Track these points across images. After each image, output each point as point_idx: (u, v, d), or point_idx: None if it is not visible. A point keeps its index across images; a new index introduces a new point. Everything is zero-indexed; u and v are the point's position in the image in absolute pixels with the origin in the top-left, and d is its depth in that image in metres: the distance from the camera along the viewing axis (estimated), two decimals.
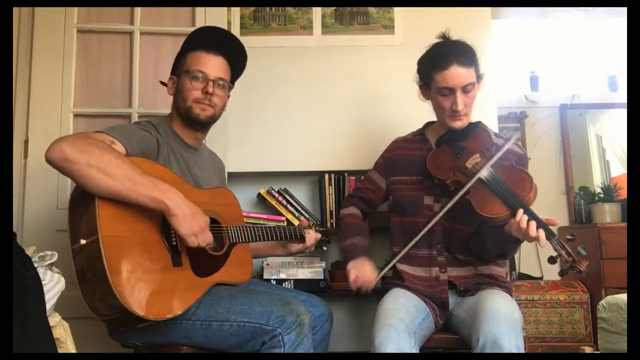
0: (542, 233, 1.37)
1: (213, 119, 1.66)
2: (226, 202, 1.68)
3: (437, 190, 1.66)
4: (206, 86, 1.59)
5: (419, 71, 1.70)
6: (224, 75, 1.65)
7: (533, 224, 1.38)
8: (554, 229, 1.41)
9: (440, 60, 1.59)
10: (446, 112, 1.63)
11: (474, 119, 1.78)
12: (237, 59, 1.73)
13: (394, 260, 1.62)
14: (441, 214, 1.55)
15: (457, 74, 1.56)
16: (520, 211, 1.40)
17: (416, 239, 1.58)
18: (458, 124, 1.63)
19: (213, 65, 1.62)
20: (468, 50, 1.62)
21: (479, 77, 1.64)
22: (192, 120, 1.62)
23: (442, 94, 1.61)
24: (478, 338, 1.36)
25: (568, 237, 1.39)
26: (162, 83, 1.73)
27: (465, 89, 1.59)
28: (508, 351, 1.32)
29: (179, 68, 1.65)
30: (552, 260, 1.40)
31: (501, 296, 1.52)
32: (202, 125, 1.66)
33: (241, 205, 1.77)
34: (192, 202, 1.37)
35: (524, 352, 1.37)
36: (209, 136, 1.76)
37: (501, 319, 1.37)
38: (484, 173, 1.51)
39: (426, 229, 1.57)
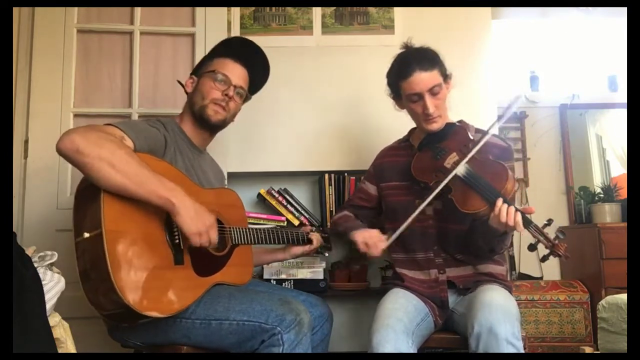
0: (519, 218, 1.40)
1: (223, 123, 1.68)
2: (230, 202, 1.68)
3: (426, 194, 1.67)
4: (227, 89, 1.63)
5: (388, 83, 1.74)
6: (245, 85, 1.69)
7: (511, 210, 1.40)
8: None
9: (403, 69, 1.63)
10: (420, 117, 1.66)
11: (473, 119, 1.78)
12: (258, 75, 1.78)
13: (401, 227, 1.59)
14: (425, 203, 1.56)
15: (420, 79, 1.60)
16: (499, 202, 1.42)
17: (410, 218, 1.57)
18: (434, 127, 1.66)
19: (237, 73, 1.66)
20: (429, 54, 1.65)
21: (446, 78, 1.67)
22: (203, 121, 1.63)
23: (412, 100, 1.64)
24: (473, 326, 1.37)
25: (545, 222, 1.41)
26: (180, 83, 1.75)
27: (433, 91, 1.61)
28: (504, 338, 1.32)
29: (202, 69, 1.68)
30: (531, 247, 1.43)
31: (499, 290, 1.53)
32: (211, 128, 1.67)
33: (244, 206, 1.77)
34: (198, 202, 1.37)
35: (521, 341, 1.37)
36: None
37: (498, 308, 1.38)
38: (460, 170, 1.53)
39: (418, 210, 1.57)
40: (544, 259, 1.42)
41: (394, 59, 1.71)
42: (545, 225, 1.41)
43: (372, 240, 1.63)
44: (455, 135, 1.65)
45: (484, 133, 1.61)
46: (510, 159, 1.68)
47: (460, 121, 1.74)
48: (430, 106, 1.61)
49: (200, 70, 1.69)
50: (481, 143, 1.56)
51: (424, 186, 1.64)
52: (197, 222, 1.34)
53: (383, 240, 1.63)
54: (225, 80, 1.63)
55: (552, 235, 1.41)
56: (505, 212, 1.40)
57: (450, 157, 1.60)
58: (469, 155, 1.54)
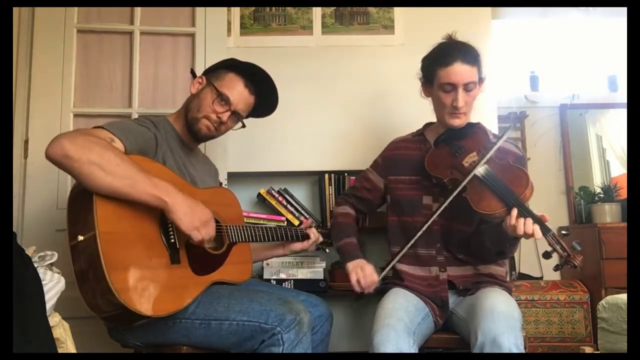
0: (537, 228, 1.39)
1: (211, 138, 1.69)
2: (226, 201, 1.68)
3: (435, 190, 1.67)
4: (223, 113, 1.61)
5: (423, 68, 1.72)
6: (244, 112, 1.68)
7: (529, 221, 1.39)
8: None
9: (445, 57, 1.62)
10: (446, 109, 1.64)
11: (474, 119, 1.78)
12: (262, 108, 1.77)
13: (395, 260, 1.62)
14: (439, 210, 1.57)
15: (460, 70, 1.59)
16: (514, 211, 1.41)
17: (415, 237, 1.59)
18: (457, 122, 1.65)
19: (243, 99, 1.64)
20: (473, 50, 1.65)
21: (480, 79, 1.66)
22: (192, 131, 1.63)
23: (444, 90, 1.63)
24: (477, 336, 1.37)
25: (563, 232, 1.41)
26: (193, 73, 1.74)
27: (467, 87, 1.61)
28: (507, 350, 1.32)
29: (214, 77, 1.64)
30: (547, 255, 1.42)
31: (500, 294, 1.53)
32: (197, 139, 1.67)
33: (241, 205, 1.77)
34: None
35: (523, 350, 1.37)
36: None
37: (500, 317, 1.38)
38: (480, 170, 1.52)
39: (424, 227, 1.58)
40: (557, 267, 1.41)
41: (436, 45, 1.69)
42: (563, 235, 1.40)
43: (364, 282, 1.64)
44: (476, 135, 1.65)
45: (500, 136, 1.61)
46: (524, 167, 1.67)
47: (478, 123, 1.73)
48: (461, 100, 1.60)
49: (212, 75, 1.65)
50: (501, 141, 1.56)
51: (437, 182, 1.63)
52: (192, 217, 1.34)
53: (376, 280, 1.64)
54: (226, 103, 1.61)
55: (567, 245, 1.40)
56: (523, 220, 1.39)
57: (470, 156, 1.59)
58: (489, 154, 1.53)
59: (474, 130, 1.67)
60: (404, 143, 1.84)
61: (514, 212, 1.41)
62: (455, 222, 1.66)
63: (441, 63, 1.62)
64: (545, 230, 1.39)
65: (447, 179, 1.59)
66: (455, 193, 1.53)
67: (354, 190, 1.92)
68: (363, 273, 1.65)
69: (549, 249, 1.41)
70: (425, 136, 1.80)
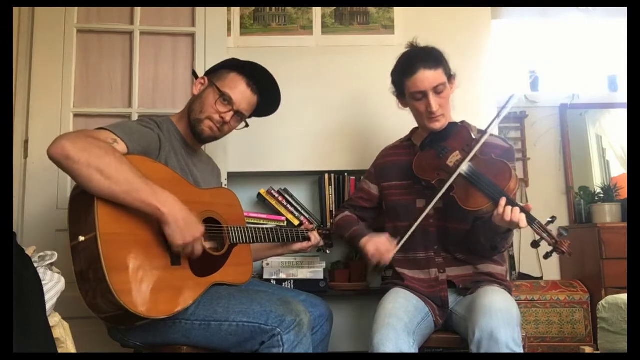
0: (522, 216, 1.40)
1: (214, 139, 1.68)
2: (227, 202, 1.68)
3: (427, 193, 1.68)
4: (226, 113, 1.60)
5: (393, 82, 1.75)
6: (247, 111, 1.68)
7: (515, 210, 1.40)
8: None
9: (408, 67, 1.65)
10: (424, 116, 1.67)
11: (473, 119, 1.79)
12: (265, 107, 1.77)
13: (409, 233, 1.60)
14: (429, 208, 1.57)
15: (425, 77, 1.61)
16: (502, 201, 1.42)
17: (417, 223, 1.58)
18: (437, 125, 1.66)
19: (245, 99, 1.64)
20: (434, 53, 1.66)
21: (450, 78, 1.68)
22: (195, 132, 1.63)
23: (416, 98, 1.65)
24: (474, 332, 1.38)
25: (549, 219, 1.42)
26: (194, 74, 1.75)
27: (437, 90, 1.63)
28: (505, 344, 1.33)
29: (216, 77, 1.64)
30: (535, 244, 1.43)
31: (499, 293, 1.53)
32: (200, 140, 1.67)
33: (241, 205, 1.77)
34: (190, 207, 1.37)
35: (521, 345, 1.38)
36: None
37: (497, 312, 1.38)
38: (463, 168, 1.53)
39: (420, 219, 1.58)
40: (547, 255, 1.42)
41: (399, 57, 1.72)
42: (549, 223, 1.42)
43: (383, 247, 1.63)
44: (458, 134, 1.66)
45: (484, 131, 1.61)
46: (512, 160, 1.68)
47: (462, 122, 1.75)
48: (434, 105, 1.62)
49: (214, 75, 1.65)
50: (482, 140, 1.56)
51: (426, 185, 1.64)
52: (185, 233, 1.33)
53: (393, 248, 1.62)
54: (229, 103, 1.60)
55: (555, 233, 1.41)
56: (509, 211, 1.40)
57: (453, 155, 1.61)
58: (472, 153, 1.54)
59: (456, 129, 1.68)
60: (393, 150, 1.87)
61: (501, 202, 1.42)
62: (451, 222, 1.67)
63: (406, 74, 1.65)
64: (530, 219, 1.41)
65: (434, 180, 1.60)
66: (441, 193, 1.54)
67: (350, 201, 1.94)
68: (379, 242, 1.64)
69: (537, 238, 1.42)
70: (412, 141, 1.83)
